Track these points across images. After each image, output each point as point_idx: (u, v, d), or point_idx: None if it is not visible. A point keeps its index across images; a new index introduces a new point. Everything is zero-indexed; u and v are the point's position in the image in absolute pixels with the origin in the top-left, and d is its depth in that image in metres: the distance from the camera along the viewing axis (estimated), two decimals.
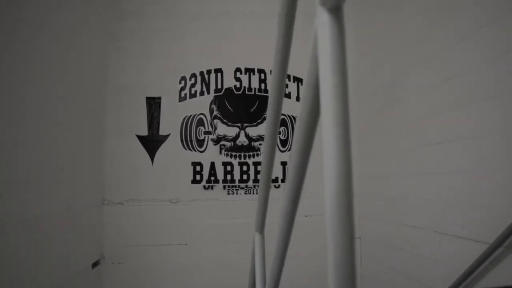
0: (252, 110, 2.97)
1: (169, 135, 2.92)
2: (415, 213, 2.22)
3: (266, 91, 2.99)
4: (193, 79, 2.96)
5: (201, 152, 2.93)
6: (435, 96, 2.02)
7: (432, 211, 2.04)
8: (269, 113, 0.87)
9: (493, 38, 1.60)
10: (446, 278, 1.82)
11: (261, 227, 1.19)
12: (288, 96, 3.01)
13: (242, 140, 2.94)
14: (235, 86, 2.98)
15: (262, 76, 3.00)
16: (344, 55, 0.45)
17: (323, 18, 0.45)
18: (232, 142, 2.94)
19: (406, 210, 2.32)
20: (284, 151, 2.98)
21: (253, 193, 2.95)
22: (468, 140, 1.76)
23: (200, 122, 2.93)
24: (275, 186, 2.97)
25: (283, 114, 2.99)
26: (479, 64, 1.69)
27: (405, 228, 2.31)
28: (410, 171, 2.27)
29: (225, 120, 2.94)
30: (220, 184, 2.93)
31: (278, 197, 2.94)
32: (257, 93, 2.98)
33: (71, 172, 2.30)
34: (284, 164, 2.97)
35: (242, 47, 3.03)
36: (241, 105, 2.97)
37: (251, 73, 2.99)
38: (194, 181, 2.91)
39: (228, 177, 2.93)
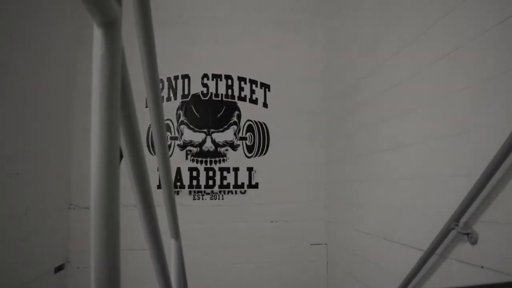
0: (218, 116, 2.98)
1: None
2: (368, 220, 2.22)
3: (233, 97, 3.01)
4: (160, 85, 2.98)
5: None
6: (385, 102, 2.03)
7: (382, 218, 2.05)
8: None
9: (434, 42, 1.61)
10: (393, 286, 1.81)
11: (175, 233, 1.19)
12: (255, 102, 3.02)
13: (209, 145, 2.95)
14: (202, 92, 3.00)
15: (229, 82, 3.01)
16: (114, 72, 0.46)
17: (95, 33, 0.46)
18: (198, 148, 2.95)
19: (361, 217, 2.32)
20: (251, 157, 2.98)
21: (219, 199, 2.96)
22: (412, 146, 1.76)
23: (167, 128, 2.95)
24: (241, 192, 2.97)
25: (249, 120, 3.00)
26: (420, 70, 1.70)
27: (360, 234, 2.31)
28: (365, 177, 2.28)
29: (191, 126, 2.95)
30: (186, 189, 2.94)
31: (245, 202, 2.96)
32: (224, 99, 3.00)
33: (29, 177, 2.31)
34: (250, 169, 2.97)
35: (209, 53, 3.04)
36: (208, 111, 2.98)
37: (218, 79, 3.01)
38: (160, 186, 2.91)
39: (194, 182, 2.94)
